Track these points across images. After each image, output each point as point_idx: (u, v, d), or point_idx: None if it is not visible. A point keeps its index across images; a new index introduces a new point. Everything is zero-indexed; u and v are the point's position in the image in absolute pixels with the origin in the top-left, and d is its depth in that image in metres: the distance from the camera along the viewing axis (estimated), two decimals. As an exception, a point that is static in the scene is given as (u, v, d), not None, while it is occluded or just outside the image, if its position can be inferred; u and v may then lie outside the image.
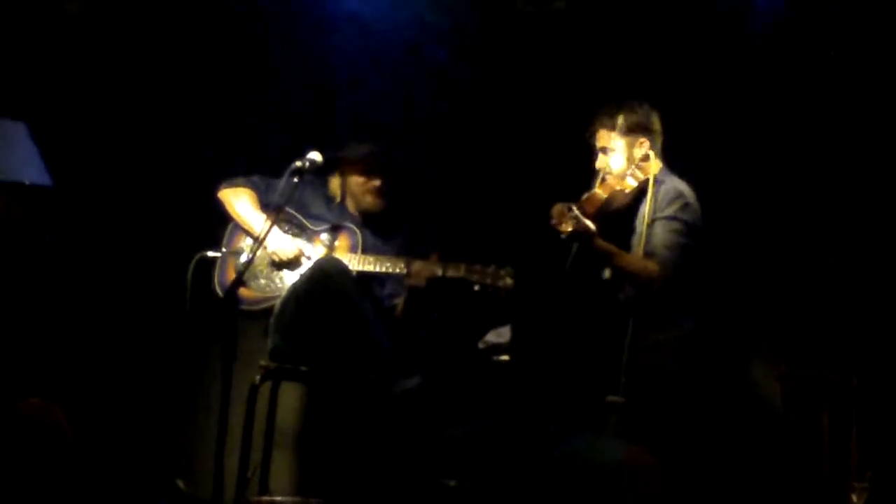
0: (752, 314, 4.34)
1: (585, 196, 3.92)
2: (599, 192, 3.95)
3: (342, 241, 4.30)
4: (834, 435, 3.99)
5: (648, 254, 3.88)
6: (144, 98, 4.91)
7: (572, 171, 4.58)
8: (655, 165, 3.99)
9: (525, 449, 2.22)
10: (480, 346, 4.03)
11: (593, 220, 3.82)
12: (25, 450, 2.68)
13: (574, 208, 3.79)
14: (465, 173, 4.83)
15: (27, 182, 4.24)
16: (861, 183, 4.37)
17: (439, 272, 4.05)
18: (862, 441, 3.97)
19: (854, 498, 3.65)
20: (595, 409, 3.05)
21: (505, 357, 3.88)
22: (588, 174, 4.17)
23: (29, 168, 4.24)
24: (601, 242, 3.83)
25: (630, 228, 3.96)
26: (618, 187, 3.95)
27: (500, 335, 3.95)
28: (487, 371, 3.97)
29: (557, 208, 3.83)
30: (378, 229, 4.36)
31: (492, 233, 4.67)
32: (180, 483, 4.09)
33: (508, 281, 3.96)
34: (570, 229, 3.78)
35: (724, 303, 4.21)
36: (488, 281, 3.98)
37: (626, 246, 3.93)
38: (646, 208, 3.91)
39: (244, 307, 4.17)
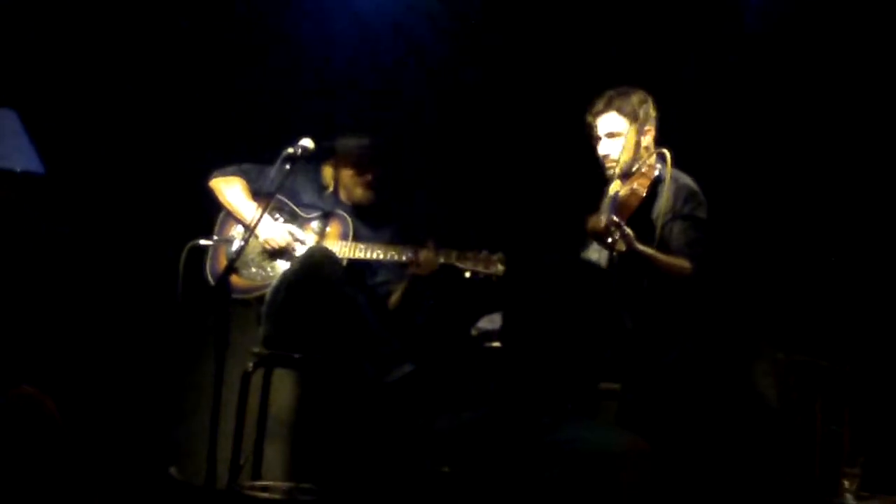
0: (748, 303, 4.35)
1: (619, 200, 3.80)
2: (633, 194, 3.83)
3: (334, 229, 4.29)
4: (827, 421, 4.00)
5: (675, 252, 3.84)
6: (138, 88, 4.90)
7: (560, 158, 4.61)
8: (653, 157, 3.96)
9: (518, 436, 2.23)
10: (473, 332, 4.02)
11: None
12: (15, 438, 2.68)
13: (616, 219, 3.65)
14: (455, 160, 4.83)
15: (18, 170, 4.24)
16: (856, 174, 4.38)
17: (444, 260, 4.05)
18: (854, 427, 3.98)
19: (846, 483, 3.65)
20: (589, 396, 3.06)
21: (497, 344, 3.88)
22: (575, 159, 4.17)
23: (20, 156, 4.23)
24: (641, 247, 3.73)
25: (644, 223, 3.85)
26: (637, 185, 3.85)
27: (492, 322, 3.94)
28: (480, 358, 3.97)
29: (598, 223, 3.70)
30: (369, 218, 4.35)
31: (482, 219, 4.68)
32: (173, 470, 4.09)
33: (499, 267, 3.96)
34: (623, 248, 3.65)
35: (721, 293, 4.21)
36: (479, 267, 3.98)
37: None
38: (661, 205, 3.86)
39: (236, 296, 4.17)
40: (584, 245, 4.08)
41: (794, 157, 4.45)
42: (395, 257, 4.15)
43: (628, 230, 3.68)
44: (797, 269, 4.38)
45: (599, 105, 3.99)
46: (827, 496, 3.76)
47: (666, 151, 3.89)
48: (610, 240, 3.65)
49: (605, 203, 3.91)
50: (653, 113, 3.99)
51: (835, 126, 4.41)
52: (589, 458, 2.24)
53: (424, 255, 4.07)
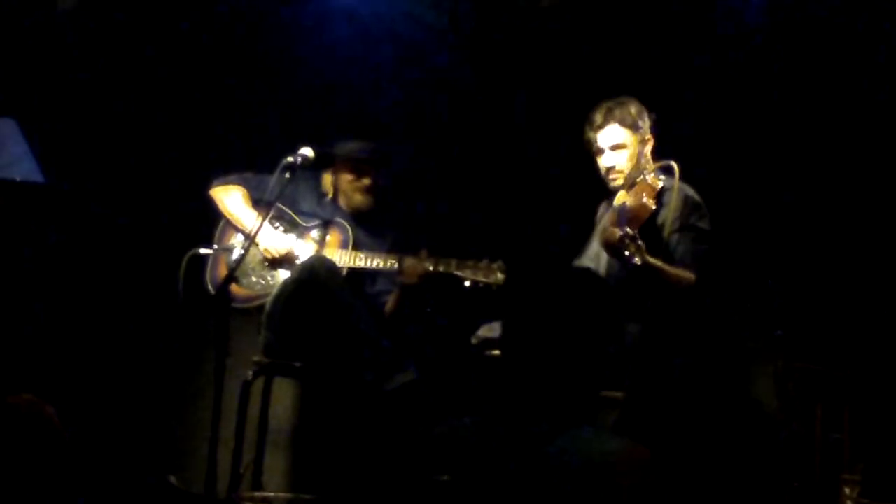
0: (749, 309, 4.35)
1: (629, 212, 3.77)
2: (643, 207, 3.80)
3: (333, 237, 4.29)
4: (826, 427, 4.00)
5: (680, 263, 3.83)
6: (138, 95, 4.91)
7: (560, 165, 4.61)
8: (654, 167, 3.96)
9: (518, 444, 2.23)
10: (473, 341, 4.02)
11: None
12: (15, 446, 2.68)
13: (631, 232, 3.58)
14: (454, 168, 4.84)
15: (18, 179, 4.24)
16: (856, 181, 4.38)
17: (430, 268, 4.04)
18: (854, 433, 3.98)
19: (846, 490, 3.65)
20: (590, 404, 3.07)
21: (497, 352, 3.87)
22: (575, 166, 4.17)
23: (20, 165, 4.24)
24: (651, 259, 3.69)
25: (646, 233, 3.79)
26: (646, 198, 3.82)
27: (492, 330, 3.94)
28: (480, 366, 3.97)
29: (613, 236, 3.62)
30: (369, 226, 4.35)
31: (483, 228, 4.68)
32: (173, 479, 4.09)
33: (499, 276, 3.96)
34: (639, 261, 3.57)
35: (722, 299, 4.22)
36: (479, 276, 3.98)
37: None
38: (667, 216, 3.84)
39: (236, 305, 4.17)
40: (580, 253, 4.09)
41: (787, 162, 4.45)
42: (389, 266, 4.15)
43: (642, 243, 3.63)
44: (796, 275, 4.39)
45: (598, 119, 3.96)
46: (827, 503, 3.76)
47: (673, 163, 3.88)
48: (627, 253, 3.58)
49: (612, 215, 3.89)
50: (649, 121, 3.98)
51: (834, 129, 4.42)
52: (588, 466, 2.24)
53: (408, 262, 4.07)
